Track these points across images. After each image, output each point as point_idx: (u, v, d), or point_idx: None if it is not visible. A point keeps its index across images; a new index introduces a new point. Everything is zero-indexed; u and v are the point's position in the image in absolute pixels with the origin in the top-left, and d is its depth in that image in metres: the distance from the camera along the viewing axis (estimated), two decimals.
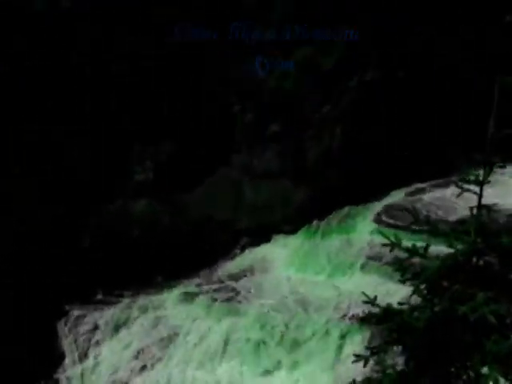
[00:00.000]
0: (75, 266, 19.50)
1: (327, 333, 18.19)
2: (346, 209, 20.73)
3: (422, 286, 8.21)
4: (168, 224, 20.96)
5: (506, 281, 7.80)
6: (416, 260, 8.42)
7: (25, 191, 19.87)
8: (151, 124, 21.17)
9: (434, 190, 20.72)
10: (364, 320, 8.62)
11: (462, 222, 8.31)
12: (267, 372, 17.96)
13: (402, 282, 8.37)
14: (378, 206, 20.44)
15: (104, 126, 20.71)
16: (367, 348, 8.16)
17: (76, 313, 19.18)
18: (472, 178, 7.84)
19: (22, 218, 19.65)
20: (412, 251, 8.37)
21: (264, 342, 18.53)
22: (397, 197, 20.73)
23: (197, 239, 20.77)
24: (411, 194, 20.68)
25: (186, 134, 21.34)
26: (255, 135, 21.15)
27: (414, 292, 8.20)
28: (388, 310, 8.10)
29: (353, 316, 17.67)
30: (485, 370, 7.44)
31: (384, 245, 8.57)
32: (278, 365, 17.94)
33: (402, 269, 8.33)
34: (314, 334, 18.20)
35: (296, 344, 18.15)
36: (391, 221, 18.89)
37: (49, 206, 19.85)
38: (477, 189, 7.94)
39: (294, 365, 17.81)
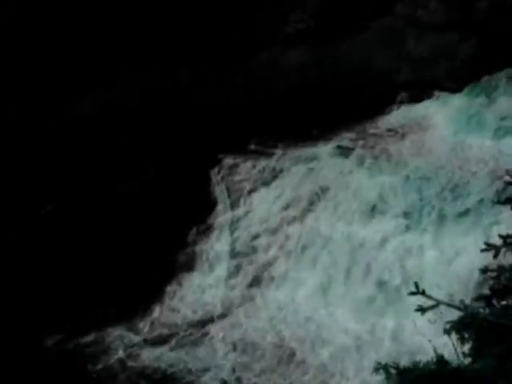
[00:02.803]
0: (229, 116, 19.52)
1: (485, 197, 17.36)
2: None
3: None
4: (323, 74, 20.25)
5: None
6: None
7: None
8: None
9: None
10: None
11: None
12: (412, 234, 17.58)
13: None
14: None
15: None
16: (500, 236, 7.42)
17: (229, 161, 19.42)
18: None
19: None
20: None
21: (417, 205, 18.05)
22: None
23: (354, 90, 19.97)
24: None
25: None
26: None
27: None
28: None
29: None
30: None
31: None
32: (423, 232, 17.47)
33: None
34: (467, 200, 17.46)
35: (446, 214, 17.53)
36: None
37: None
38: None
39: (440, 233, 17.25)
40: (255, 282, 18.52)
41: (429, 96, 19.63)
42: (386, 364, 7.83)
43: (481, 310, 7.66)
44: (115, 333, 17.14)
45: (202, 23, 19.53)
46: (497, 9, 19.01)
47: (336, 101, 19.96)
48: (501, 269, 7.73)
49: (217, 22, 19.51)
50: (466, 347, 7.64)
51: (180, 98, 19.61)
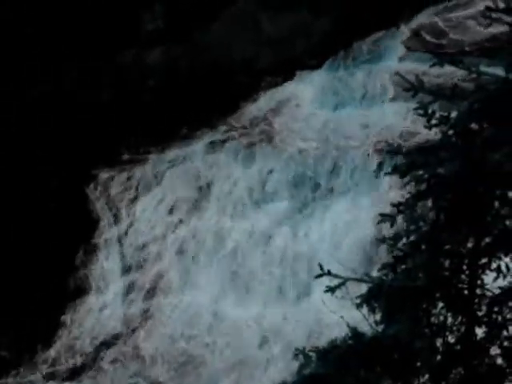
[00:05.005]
0: (96, 127, 18.86)
1: (364, 168, 17.74)
2: (373, 35, 19.47)
3: (451, 132, 7.37)
4: (186, 69, 19.95)
5: None
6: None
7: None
8: None
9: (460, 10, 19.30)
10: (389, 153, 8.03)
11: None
12: (300, 215, 17.71)
13: (428, 128, 7.53)
14: (406, 30, 19.17)
15: None
16: (393, 205, 7.47)
17: (104, 176, 18.83)
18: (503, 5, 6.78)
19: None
20: (437, 94, 7.46)
21: (299, 185, 18.20)
22: (425, 17, 19.37)
23: (218, 83, 19.80)
24: (440, 12, 19.32)
25: None
26: None
27: (441, 140, 7.38)
28: (413, 163, 7.32)
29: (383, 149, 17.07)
30: None
31: (405, 90, 7.68)
32: (310, 211, 17.65)
33: (427, 114, 7.46)
34: (348, 172, 17.79)
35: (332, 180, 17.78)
36: (419, 46, 17.75)
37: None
38: (508, 18, 6.89)
39: (326, 211, 17.48)
40: (152, 293, 18.10)
41: (291, 76, 19.76)
42: (304, 349, 7.73)
43: (384, 278, 7.72)
44: (15, 378, 16.29)
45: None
46: None
47: (201, 96, 19.73)
48: (397, 236, 7.81)
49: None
50: (378, 316, 7.68)
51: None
